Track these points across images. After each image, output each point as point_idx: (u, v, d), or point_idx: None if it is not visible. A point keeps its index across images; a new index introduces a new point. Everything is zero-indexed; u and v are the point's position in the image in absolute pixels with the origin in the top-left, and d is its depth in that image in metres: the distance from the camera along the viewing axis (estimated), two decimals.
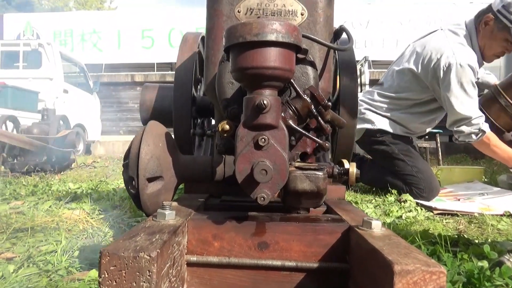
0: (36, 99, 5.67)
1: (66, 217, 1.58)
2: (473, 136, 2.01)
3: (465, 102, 1.97)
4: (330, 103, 0.69)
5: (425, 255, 0.49)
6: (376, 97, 2.30)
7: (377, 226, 0.60)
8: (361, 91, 4.99)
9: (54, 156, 3.52)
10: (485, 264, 0.87)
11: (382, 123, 2.24)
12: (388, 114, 2.24)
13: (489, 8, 2.05)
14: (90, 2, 20.08)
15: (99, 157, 6.27)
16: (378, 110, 2.27)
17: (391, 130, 2.23)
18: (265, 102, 0.57)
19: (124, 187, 2.42)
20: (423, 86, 2.13)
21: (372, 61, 7.86)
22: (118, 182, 2.74)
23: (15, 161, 3.36)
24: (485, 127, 2.00)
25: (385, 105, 2.26)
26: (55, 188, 2.39)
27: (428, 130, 2.42)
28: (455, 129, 2.04)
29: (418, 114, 2.23)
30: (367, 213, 1.70)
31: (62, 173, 3.63)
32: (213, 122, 1.44)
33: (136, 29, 9.33)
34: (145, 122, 1.28)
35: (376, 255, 0.50)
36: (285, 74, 0.60)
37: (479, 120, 1.99)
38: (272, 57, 0.58)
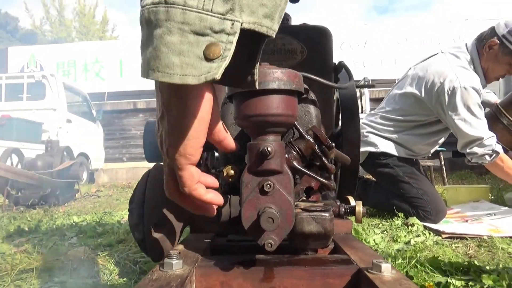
0: (40, 130, 5.73)
1: (71, 255, 1.57)
2: (487, 157, 1.97)
3: (474, 124, 1.95)
4: (333, 144, 0.70)
5: None
6: (379, 120, 2.31)
7: (386, 270, 0.59)
8: (362, 112, 5.02)
9: (58, 188, 3.52)
10: None
11: (385, 146, 2.24)
12: (392, 136, 2.24)
13: (493, 32, 2.07)
14: (92, 32, 20.51)
15: (103, 186, 6.28)
16: (381, 133, 2.27)
17: (394, 153, 2.23)
18: (269, 149, 0.58)
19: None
20: (426, 109, 2.13)
21: (371, 80, 7.93)
22: (122, 213, 2.73)
23: (19, 194, 3.36)
24: (499, 148, 1.97)
25: (389, 128, 2.26)
26: (59, 222, 2.38)
27: (432, 151, 2.42)
28: (467, 151, 2.00)
29: (422, 135, 2.23)
30: (375, 239, 1.68)
31: (66, 204, 3.63)
32: (216, 154, 1.44)
33: (137, 57, 9.43)
34: (148, 159, 1.29)
35: None
36: (288, 120, 0.61)
37: (491, 141, 1.96)
38: (275, 105, 0.59)
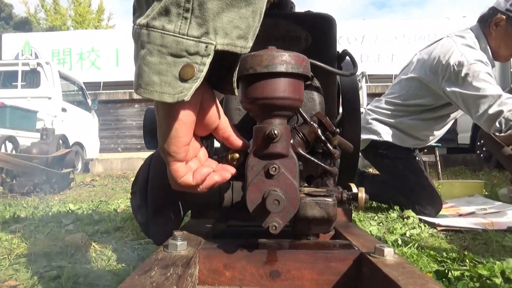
0: (35, 118, 5.68)
1: (68, 241, 1.57)
2: None
3: (487, 88, 1.85)
4: (338, 130, 0.70)
5: (440, 285, 0.49)
6: (384, 105, 2.27)
7: (389, 254, 0.59)
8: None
9: (54, 177, 3.50)
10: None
11: (389, 135, 2.21)
12: (397, 121, 2.20)
13: (495, 10, 2.04)
14: (88, 21, 20.22)
15: (98, 175, 6.25)
16: (386, 118, 2.24)
17: (397, 143, 2.20)
18: (275, 132, 0.58)
19: (125, 207, 2.40)
20: (432, 92, 2.10)
21: (368, 75, 7.95)
22: (118, 202, 2.73)
23: (14, 181, 3.34)
24: None
25: (394, 112, 2.22)
26: (56, 210, 2.37)
27: (436, 139, 2.37)
28: (489, 113, 1.82)
29: (429, 120, 2.19)
30: (371, 231, 1.69)
31: (61, 193, 3.61)
32: (216, 143, 1.44)
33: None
34: (148, 146, 1.28)
35: (391, 286, 0.50)
36: (295, 104, 0.61)
37: (510, 100, 1.83)
38: (282, 88, 0.59)
